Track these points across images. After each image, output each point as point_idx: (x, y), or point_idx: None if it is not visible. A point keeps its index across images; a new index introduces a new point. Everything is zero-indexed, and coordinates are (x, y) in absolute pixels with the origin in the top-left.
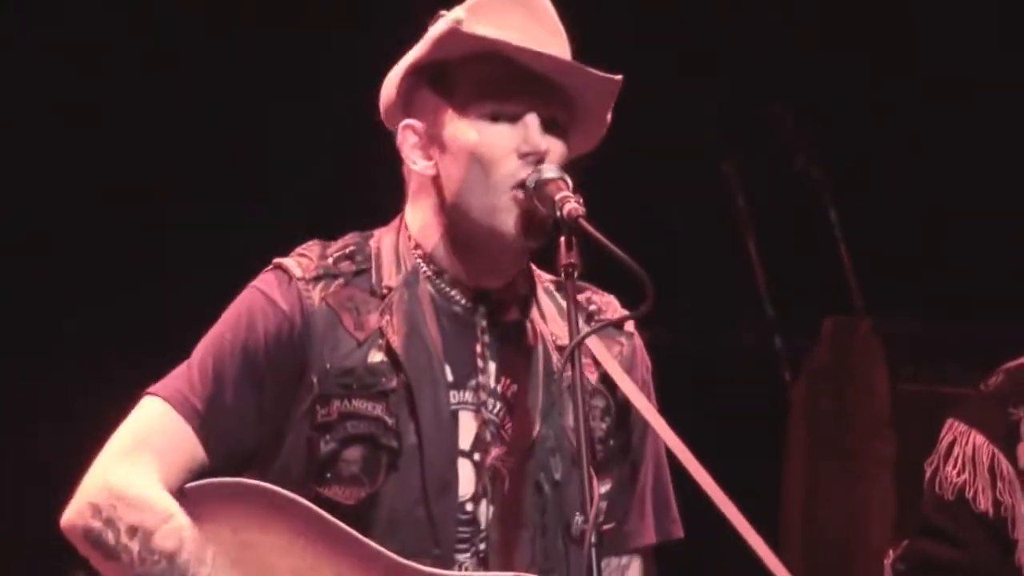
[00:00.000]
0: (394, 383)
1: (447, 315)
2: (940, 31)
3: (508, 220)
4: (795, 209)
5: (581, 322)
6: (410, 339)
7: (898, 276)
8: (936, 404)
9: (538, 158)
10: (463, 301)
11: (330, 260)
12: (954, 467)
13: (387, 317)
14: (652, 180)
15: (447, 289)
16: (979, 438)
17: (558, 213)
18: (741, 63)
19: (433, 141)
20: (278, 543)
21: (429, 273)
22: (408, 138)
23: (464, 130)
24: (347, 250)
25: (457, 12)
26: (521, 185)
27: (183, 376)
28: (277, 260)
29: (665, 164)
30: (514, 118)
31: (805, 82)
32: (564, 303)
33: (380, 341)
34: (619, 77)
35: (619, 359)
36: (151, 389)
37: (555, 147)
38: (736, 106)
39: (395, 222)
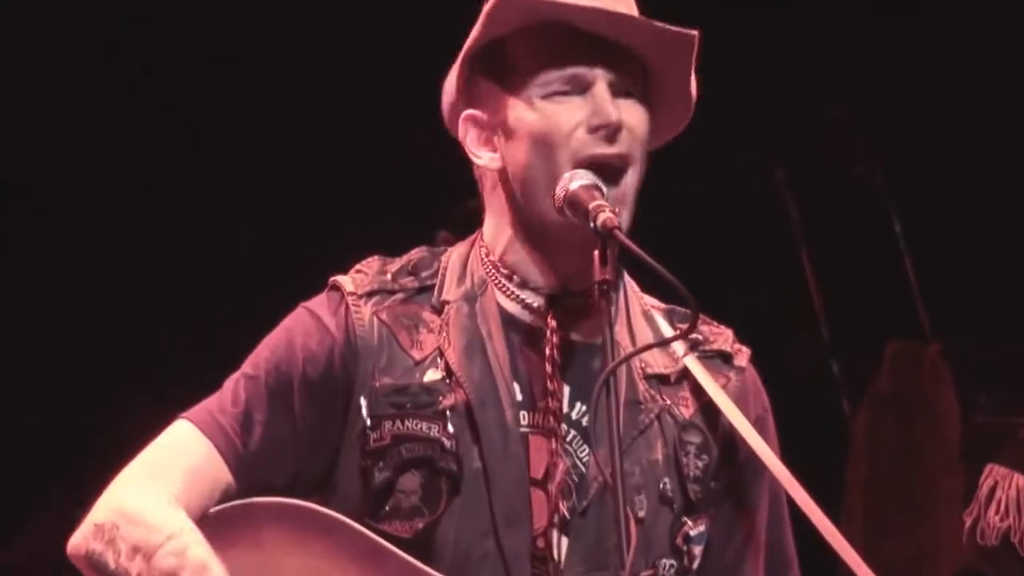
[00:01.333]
0: (452, 401)
1: (517, 328)
2: (1018, 30)
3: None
4: (854, 221)
5: (627, 346)
6: (469, 354)
7: (969, 294)
8: (1010, 435)
9: (612, 129)
10: (534, 304)
11: (388, 275)
12: (996, 512)
13: (444, 333)
14: (696, 188)
15: (516, 292)
16: (1023, 481)
17: (591, 224)
18: (794, 60)
19: (496, 130)
20: (312, 565)
21: (499, 279)
22: (469, 131)
23: (524, 110)
24: (410, 265)
25: None
26: (582, 164)
27: (216, 399)
28: (333, 278)
29: (711, 170)
30: (581, 89)
31: (864, 82)
32: (668, 329)
33: (439, 360)
34: (694, 32)
35: (725, 392)
36: (184, 414)
37: (633, 116)
38: (790, 108)
39: (475, 235)
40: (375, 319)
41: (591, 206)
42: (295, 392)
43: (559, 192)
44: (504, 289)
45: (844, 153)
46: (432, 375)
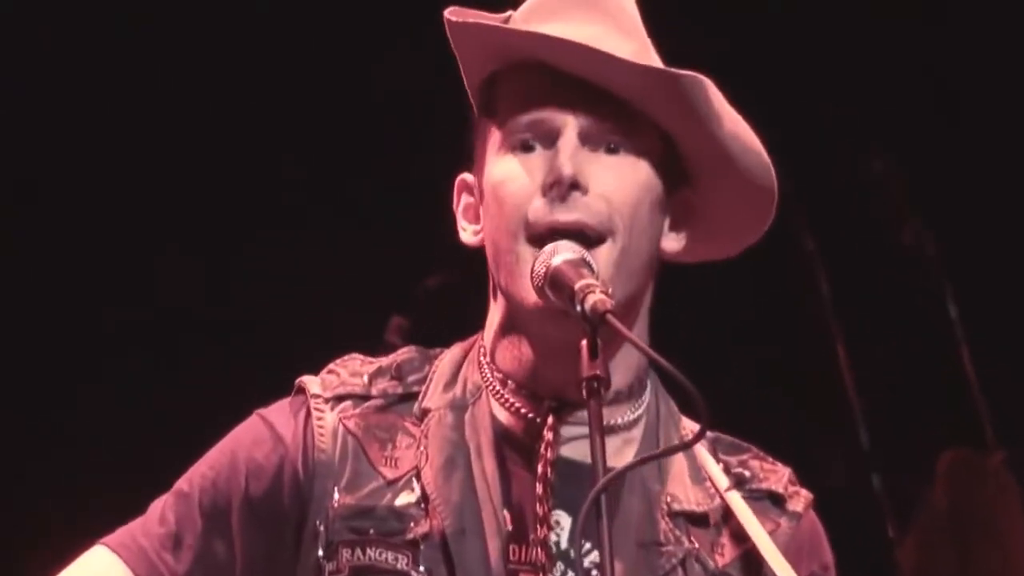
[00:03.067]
0: (426, 528)
1: (513, 444)
2: None
3: (524, 285)
4: (900, 301)
5: (649, 477)
6: (449, 471)
7: None
8: None
9: (562, 188)
10: (530, 414)
11: (364, 377)
12: None
13: (422, 448)
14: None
15: (511, 399)
16: None
17: (578, 308)
18: (827, 103)
19: (481, 195)
20: None
21: (494, 384)
22: (461, 200)
23: (491, 166)
24: (394, 367)
25: (510, 14)
26: (536, 238)
27: (140, 520)
28: (300, 379)
29: None
30: (548, 140)
31: (910, 132)
32: (707, 459)
33: (415, 482)
34: (695, 76)
35: (772, 539)
36: (102, 539)
37: (607, 172)
38: (823, 161)
39: (477, 334)
40: (341, 428)
41: (577, 285)
42: (234, 512)
43: (538, 268)
44: (499, 396)
45: (888, 216)
46: (405, 498)
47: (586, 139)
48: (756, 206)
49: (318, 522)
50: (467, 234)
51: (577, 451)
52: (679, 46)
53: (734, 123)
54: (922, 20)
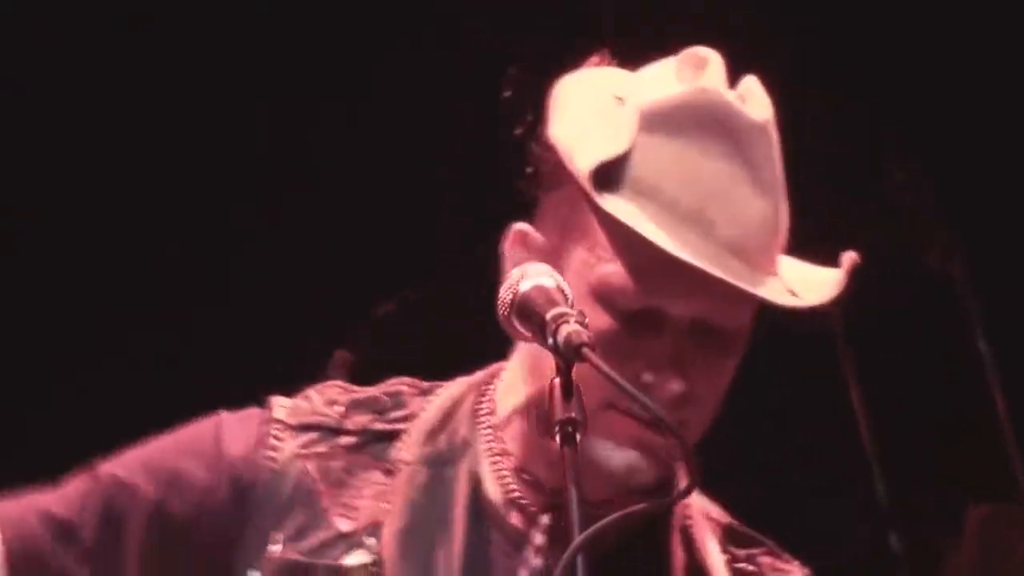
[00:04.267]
0: None
1: (495, 523)
2: None
3: (611, 455)
4: (922, 332)
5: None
6: (409, 541)
7: None
8: None
9: (668, 400)
10: (525, 502)
11: (340, 408)
12: None
13: (388, 504)
14: None
15: (508, 479)
16: None
17: (550, 340)
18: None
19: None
20: None
21: (492, 449)
22: (516, 252)
23: (578, 304)
24: (379, 400)
25: (621, 110)
26: (626, 414)
27: (45, 495)
28: (272, 397)
29: None
30: (658, 319)
31: (936, 133)
32: (712, 549)
33: (372, 540)
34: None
35: None
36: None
37: (703, 382)
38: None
39: (490, 369)
40: (298, 465)
41: (549, 315)
42: (132, 519)
43: (504, 295)
44: (495, 465)
45: (909, 233)
46: (357, 558)
47: (698, 331)
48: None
49: (249, 569)
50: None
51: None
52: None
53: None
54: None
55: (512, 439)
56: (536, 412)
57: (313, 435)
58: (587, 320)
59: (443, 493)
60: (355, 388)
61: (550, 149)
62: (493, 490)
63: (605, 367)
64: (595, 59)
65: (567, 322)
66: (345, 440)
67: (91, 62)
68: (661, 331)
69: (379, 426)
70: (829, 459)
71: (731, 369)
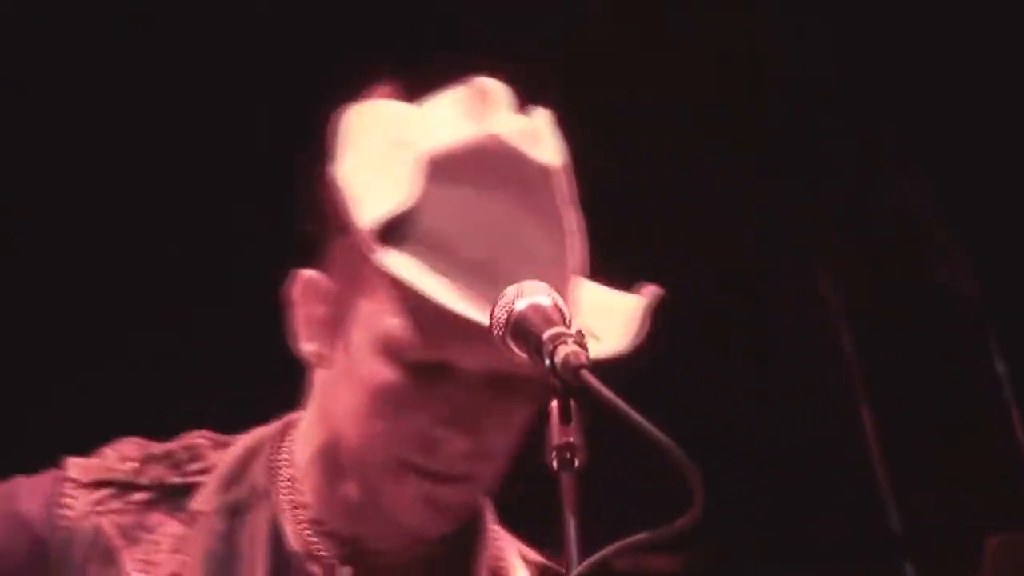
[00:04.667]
0: None
1: (294, 572)
2: None
3: (402, 510)
4: (936, 355)
5: None
6: None
7: None
8: None
9: (454, 457)
10: (323, 553)
11: (134, 463)
12: None
13: (185, 556)
14: (701, 306)
15: (306, 530)
16: None
17: (547, 361)
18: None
19: (337, 323)
20: None
21: (291, 503)
22: (306, 305)
23: (370, 351)
24: (177, 453)
25: (413, 148)
26: (414, 469)
27: None
28: (67, 459)
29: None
30: (446, 370)
31: (947, 148)
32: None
33: None
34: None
35: None
36: None
37: (492, 432)
38: (841, 185)
39: (289, 418)
40: (91, 520)
41: (546, 335)
42: None
43: (499, 314)
44: (295, 515)
45: (920, 253)
46: None
47: (491, 382)
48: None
49: None
50: (307, 348)
51: None
52: None
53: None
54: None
55: (310, 490)
56: (328, 461)
57: (106, 491)
58: (585, 340)
59: (242, 543)
60: (151, 443)
61: (336, 190)
62: (293, 541)
63: (605, 391)
64: (383, 89)
65: (565, 343)
66: (140, 496)
67: (91, 62)
68: (451, 384)
69: (175, 479)
70: (841, 489)
71: (528, 415)
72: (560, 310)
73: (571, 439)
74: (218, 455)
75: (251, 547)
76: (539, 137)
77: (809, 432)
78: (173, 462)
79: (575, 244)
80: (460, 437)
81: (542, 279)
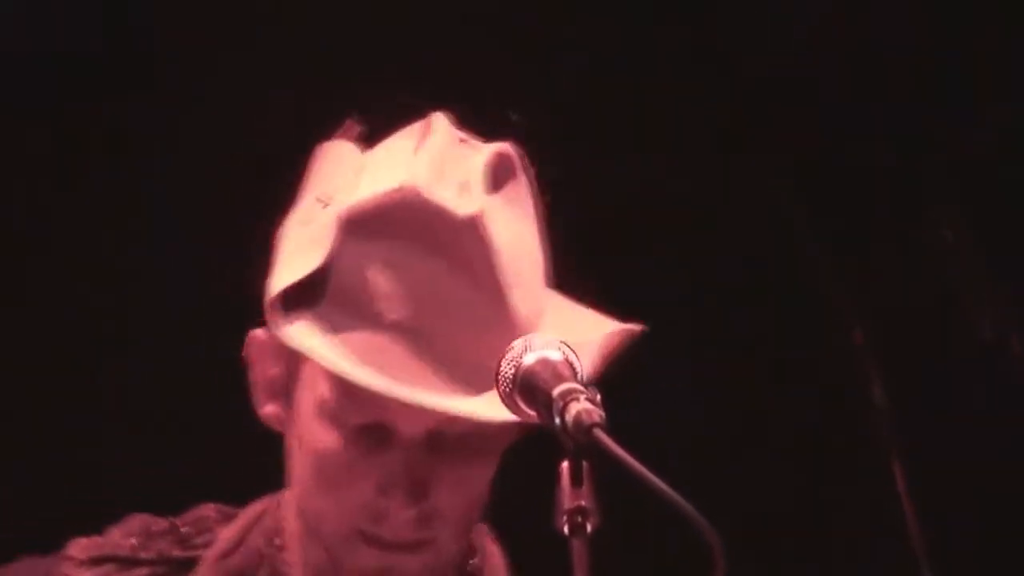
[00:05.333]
0: None
1: None
2: None
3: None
4: (975, 410)
5: None
6: None
7: None
8: None
9: (409, 512)
10: None
11: (137, 539)
12: None
13: None
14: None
15: None
16: None
17: (557, 420)
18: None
19: (289, 384)
20: None
21: (281, 569)
22: (260, 366)
23: (313, 418)
24: (184, 527)
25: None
26: (367, 540)
27: None
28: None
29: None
30: (386, 434)
31: (989, 188)
32: None
33: None
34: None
35: None
36: None
37: (449, 490)
38: (870, 226)
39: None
40: None
41: (556, 391)
42: None
43: (506, 370)
44: None
45: (959, 301)
46: None
47: (435, 443)
48: None
49: None
50: (269, 409)
51: None
52: None
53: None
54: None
55: (296, 560)
56: (304, 529)
57: (108, 567)
58: (597, 397)
59: None
60: (158, 519)
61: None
62: None
63: (618, 450)
64: (346, 131)
65: (576, 400)
66: (141, 571)
67: None
68: (392, 448)
69: (178, 553)
70: (870, 548)
71: (486, 471)
72: (571, 364)
73: (583, 502)
74: (223, 529)
75: None
76: (474, 179)
77: (835, 487)
78: (179, 537)
79: (515, 292)
80: (406, 504)
81: (469, 342)
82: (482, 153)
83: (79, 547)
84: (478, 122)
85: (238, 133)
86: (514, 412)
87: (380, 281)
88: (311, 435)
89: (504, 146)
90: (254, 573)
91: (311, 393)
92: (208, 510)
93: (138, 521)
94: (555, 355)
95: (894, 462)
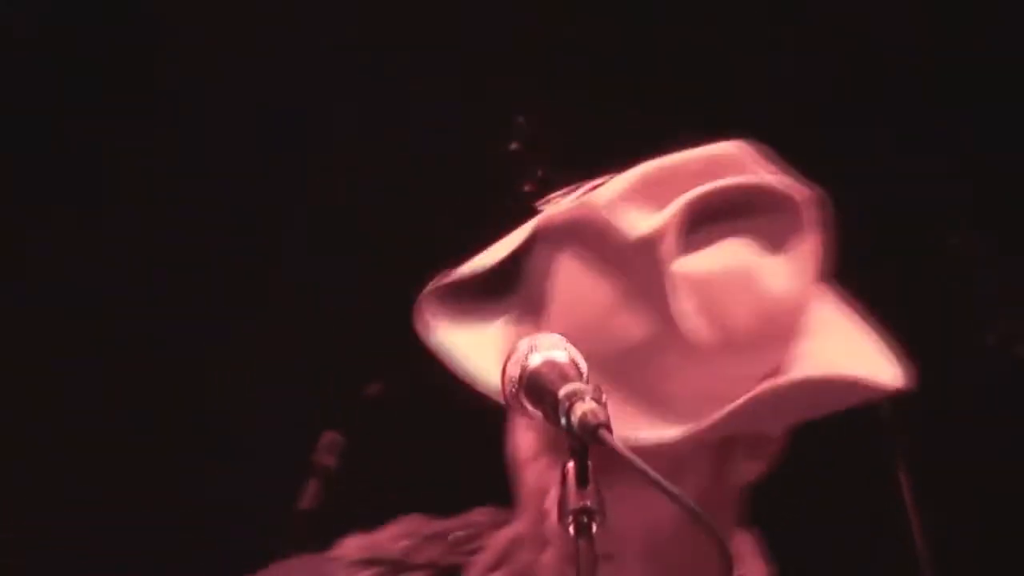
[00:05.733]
0: None
1: None
2: None
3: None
4: (984, 423)
5: None
6: None
7: None
8: None
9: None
10: None
11: (410, 541)
12: None
13: None
14: None
15: None
16: None
17: (563, 420)
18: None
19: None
20: None
21: None
22: None
23: None
24: (456, 531)
25: None
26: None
27: None
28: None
29: None
30: None
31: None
32: None
33: None
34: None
35: None
36: None
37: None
38: (880, 235)
39: None
40: None
41: (562, 392)
42: None
43: (511, 370)
44: None
45: (972, 312)
46: None
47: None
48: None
49: None
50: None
51: None
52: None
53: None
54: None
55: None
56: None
57: (377, 570)
58: (603, 398)
59: None
60: (432, 521)
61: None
62: None
63: (626, 451)
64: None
65: (582, 400)
66: (414, 574)
67: None
68: None
69: (448, 560)
70: (876, 560)
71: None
72: (576, 365)
73: (588, 503)
74: (494, 534)
75: None
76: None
77: (840, 503)
78: (452, 542)
79: (696, 315)
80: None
81: (627, 367)
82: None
83: (351, 547)
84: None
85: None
86: (520, 413)
87: (551, 287)
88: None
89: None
90: None
91: None
92: (481, 515)
93: (411, 522)
94: (561, 355)
95: (898, 464)
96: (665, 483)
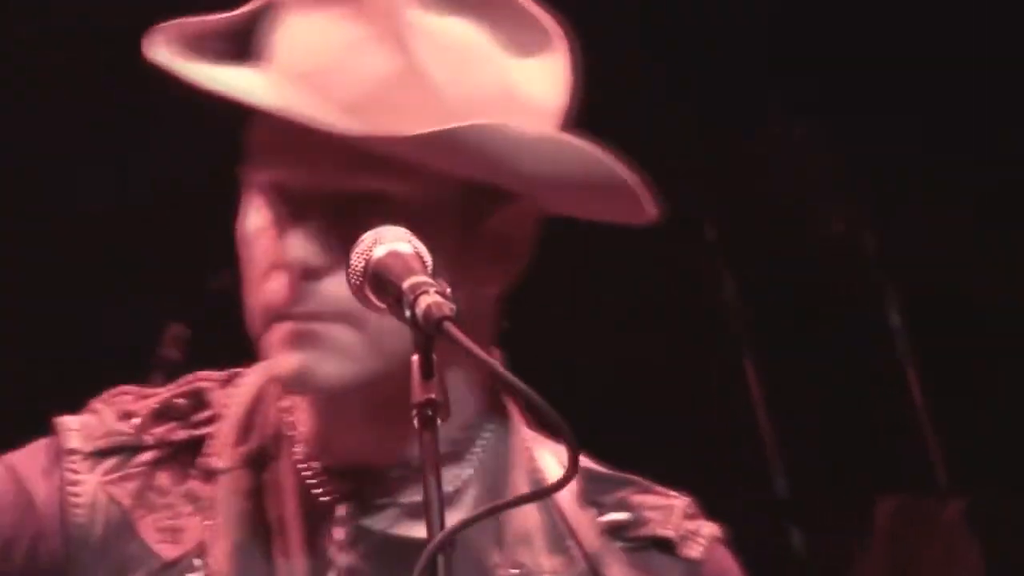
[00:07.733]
0: None
1: (322, 518)
2: None
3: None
4: (827, 306)
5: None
6: (245, 558)
7: (1005, 433)
8: None
9: (292, 276)
10: (319, 492)
11: (136, 421)
12: None
13: (210, 519)
14: (589, 258)
15: (302, 469)
16: None
17: (407, 313)
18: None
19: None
20: None
21: (292, 440)
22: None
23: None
24: (175, 403)
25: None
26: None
27: None
28: (58, 418)
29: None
30: (288, 202)
31: (842, 89)
32: (572, 508)
33: (202, 561)
34: (466, 127)
35: None
36: None
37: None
38: (728, 125)
39: None
40: (104, 497)
41: (406, 284)
42: None
43: (356, 262)
44: (298, 456)
45: (812, 199)
46: None
47: (330, 201)
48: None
49: None
50: None
51: (400, 523)
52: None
53: (546, 146)
54: None
55: (297, 420)
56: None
57: (113, 460)
58: (448, 290)
59: (272, 495)
60: (148, 391)
61: None
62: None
63: (470, 344)
64: None
65: (426, 293)
66: (147, 456)
67: None
68: (288, 209)
69: (181, 434)
70: (725, 450)
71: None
72: (421, 257)
73: (433, 395)
74: (222, 398)
75: (280, 500)
76: None
77: (692, 390)
78: (176, 414)
79: (434, 55)
80: (282, 267)
81: (371, 95)
82: None
83: (79, 436)
84: None
85: None
86: (365, 304)
87: (298, 37)
88: (241, 227)
89: None
90: (276, 455)
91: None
92: (199, 380)
93: (128, 397)
94: (405, 248)
95: (746, 357)
96: (507, 375)
